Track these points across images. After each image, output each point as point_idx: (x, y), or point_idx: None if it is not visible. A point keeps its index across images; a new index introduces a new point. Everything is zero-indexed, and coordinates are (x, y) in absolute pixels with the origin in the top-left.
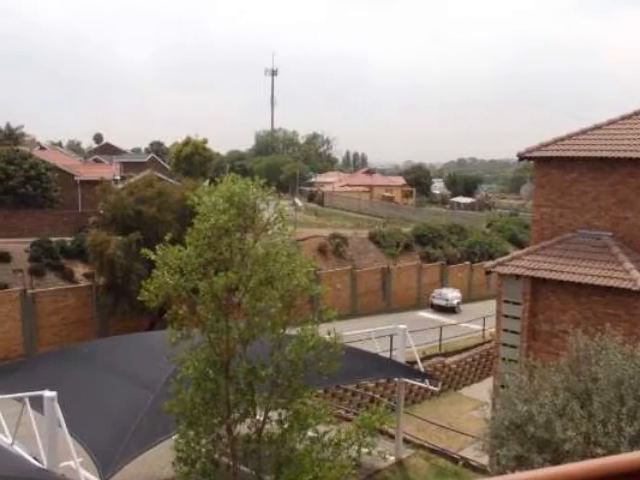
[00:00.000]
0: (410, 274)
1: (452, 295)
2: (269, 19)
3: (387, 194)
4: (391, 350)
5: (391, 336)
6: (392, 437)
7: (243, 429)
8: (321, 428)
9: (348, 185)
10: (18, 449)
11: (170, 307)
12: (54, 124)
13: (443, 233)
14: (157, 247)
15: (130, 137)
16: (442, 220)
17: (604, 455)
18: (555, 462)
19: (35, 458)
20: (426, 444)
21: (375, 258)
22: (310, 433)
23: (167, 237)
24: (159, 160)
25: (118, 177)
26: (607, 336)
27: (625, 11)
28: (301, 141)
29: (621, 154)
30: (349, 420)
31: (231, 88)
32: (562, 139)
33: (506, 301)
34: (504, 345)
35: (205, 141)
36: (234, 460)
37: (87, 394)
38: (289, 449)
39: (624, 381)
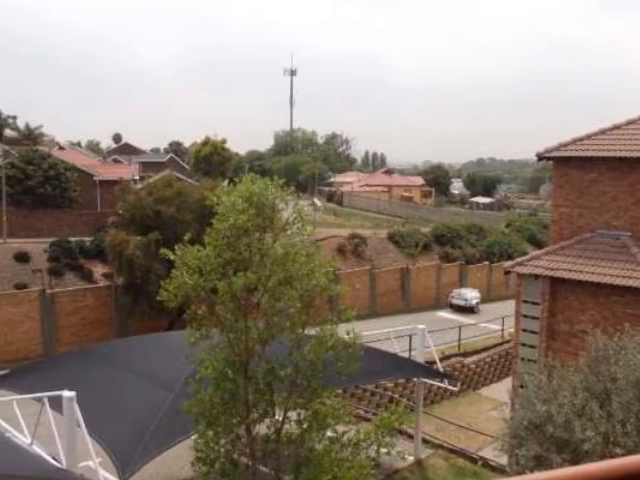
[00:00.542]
0: (429, 274)
1: (471, 295)
2: (287, 19)
3: (406, 194)
4: (410, 350)
5: (410, 336)
6: (411, 437)
7: (262, 429)
8: (340, 428)
9: (367, 185)
10: (37, 449)
11: (189, 307)
12: (73, 124)
13: (462, 233)
14: (176, 247)
15: (149, 137)
16: (461, 220)
17: (623, 455)
18: (574, 462)
19: (54, 458)
20: (445, 444)
21: (394, 258)
22: (329, 433)
23: (186, 237)
24: (178, 160)
25: (137, 177)
26: (626, 336)
27: None
28: (320, 141)
29: None
30: (368, 420)
31: (250, 88)
32: (581, 139)
33: (525, 301)
34: (523, 345)
35: (224, 141)
36: (253, 460)
37: (106, 394)
38: (308, 449)
39: None
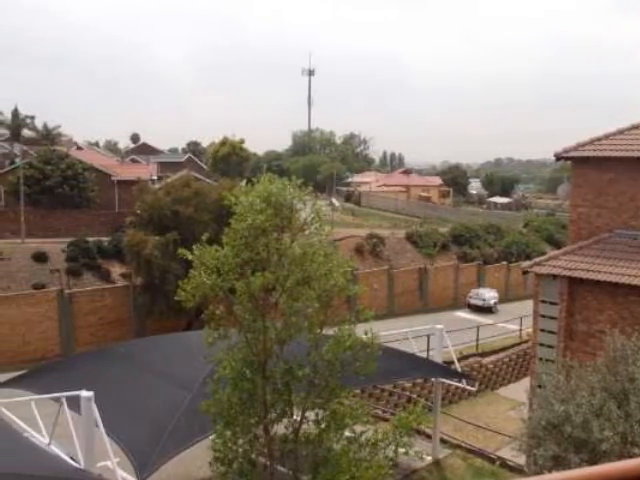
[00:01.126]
0: (447, 274)
1: (489, 295)
2: (305, 19)
3: (424, 194)
4: (428, 350)
5: (428, 336)
6: (429, 437)
7: (280, 429)
8: (358, 428)
9: (385, 185)
10: (55, 449)
11: (207, 307)
12: (91, 124)
13: (480, 233)
14: (194, 247)
15: (167, 137)
16: (479, 220)
17: None
18: (592, 462)
19: (72, 458)
20: (463, 444)
21: (412, 258)
22: (347, 433)
23: (204, 237)
24: (196, 160)
25: (155, 177)
26: None
27: None
28: (338, 141)
29: None
30: (386, 420)
31: (268, 89)
32: (599, 139)
33: (543, 301)
34: (541, 345)
35: (242, 141)
36: (271, 460)
37: (124, 394)
38: (326, 449)
39: None
